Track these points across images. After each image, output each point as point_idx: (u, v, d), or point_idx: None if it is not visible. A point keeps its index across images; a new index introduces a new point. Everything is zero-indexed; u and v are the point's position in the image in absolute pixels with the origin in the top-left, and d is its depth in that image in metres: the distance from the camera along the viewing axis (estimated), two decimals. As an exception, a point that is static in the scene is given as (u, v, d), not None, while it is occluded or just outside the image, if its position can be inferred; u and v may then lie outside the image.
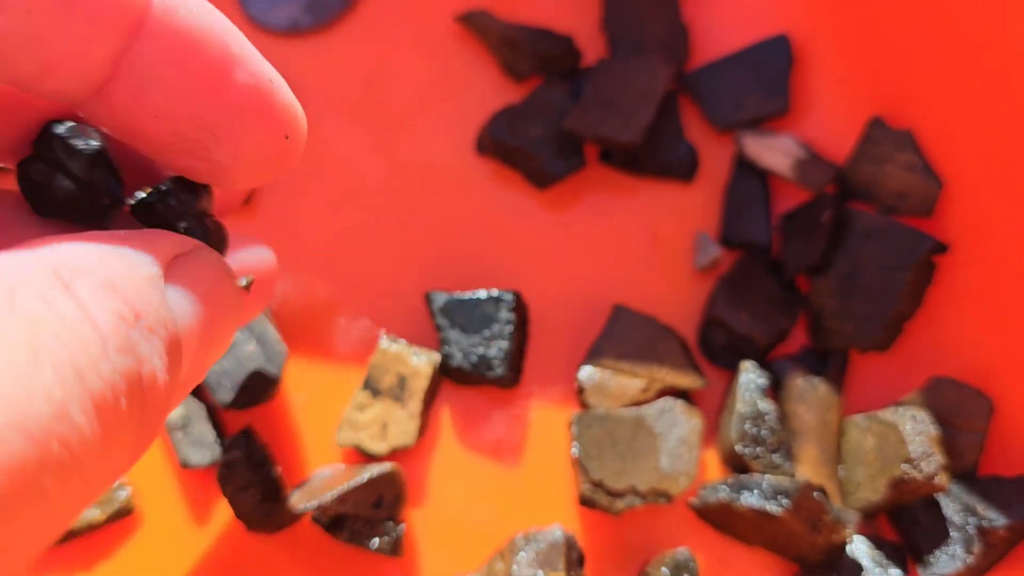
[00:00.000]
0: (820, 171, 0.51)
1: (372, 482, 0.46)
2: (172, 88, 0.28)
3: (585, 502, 0.48)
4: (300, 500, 0.46)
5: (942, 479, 0.45)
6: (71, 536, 0.49)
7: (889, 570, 0.47)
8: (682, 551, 0.47)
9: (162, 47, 0.27)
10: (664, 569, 0.47)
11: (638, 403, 0.49)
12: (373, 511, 0.46)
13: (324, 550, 0.49)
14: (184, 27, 0.27)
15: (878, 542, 0.48)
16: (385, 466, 0.47)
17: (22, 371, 0.20)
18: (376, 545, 0.47)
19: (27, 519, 0.20)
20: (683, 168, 0.54)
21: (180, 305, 0.26)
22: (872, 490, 0.47)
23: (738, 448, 0.47)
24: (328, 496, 0.45)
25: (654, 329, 0.51)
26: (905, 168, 0.49)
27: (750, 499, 0.45)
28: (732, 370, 0.50)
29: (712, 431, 0.50)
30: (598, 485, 0.48)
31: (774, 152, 0.52)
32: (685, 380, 0.50)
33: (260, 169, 0.30)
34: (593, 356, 0.50)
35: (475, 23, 0.56)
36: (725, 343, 0.51)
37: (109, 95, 0.27)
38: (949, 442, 0.47)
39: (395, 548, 0.47)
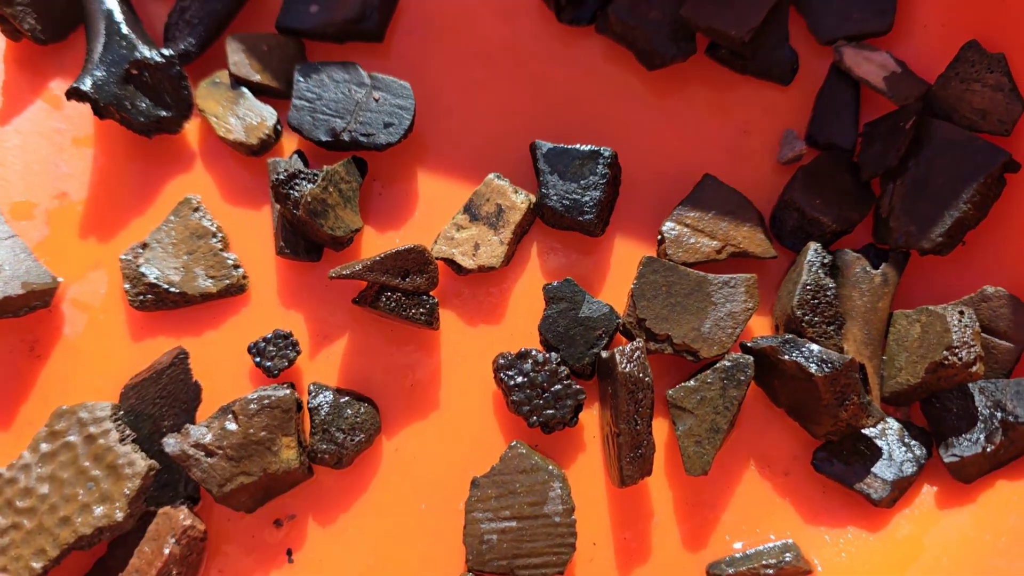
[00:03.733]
0: (910, 85, 0.53)
1: (398, 254, 0.50)
2: None
3: (623, 332, 0.51)
4: (334, 271, 0.50)
5: (979, 368, 0.47)
6: (184, 303, 0.53)
7: (914, 449, 0.49)
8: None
9: None
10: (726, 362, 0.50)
11: (712, 261, 0.52)
12: (403, 281, 0.50)
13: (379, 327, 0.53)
14: None
15: (908, 426, 0.50)
16: (410, 244, 0.50)
17: None
18: (413, 314, 0.51)
19: None
20: (783, 71, 0.56)
21: None
22: (911, 373, 0.49)
23: (798, 313, 0.49)
24: (359, 264, 0.50)
25: (737, 200, 0.53)
26: (993, 87, 0.51)
27: (797, 355, 0.48)
28: (797, 251, 0.53)
29: (769, 304, 0.53)
30: (640, 322, 0.51)
31: (870, 64, 0.54)
32: (758, 248, 0.52)
33: None
34: (678, 214, 0.53)
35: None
36: (795, 225, 0.53)
37: None
38: (989, 346, 0.49)
39: (431, 319, 0.51)
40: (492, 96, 0.56)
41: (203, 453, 0.48)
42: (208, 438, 0.49)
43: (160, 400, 0.52)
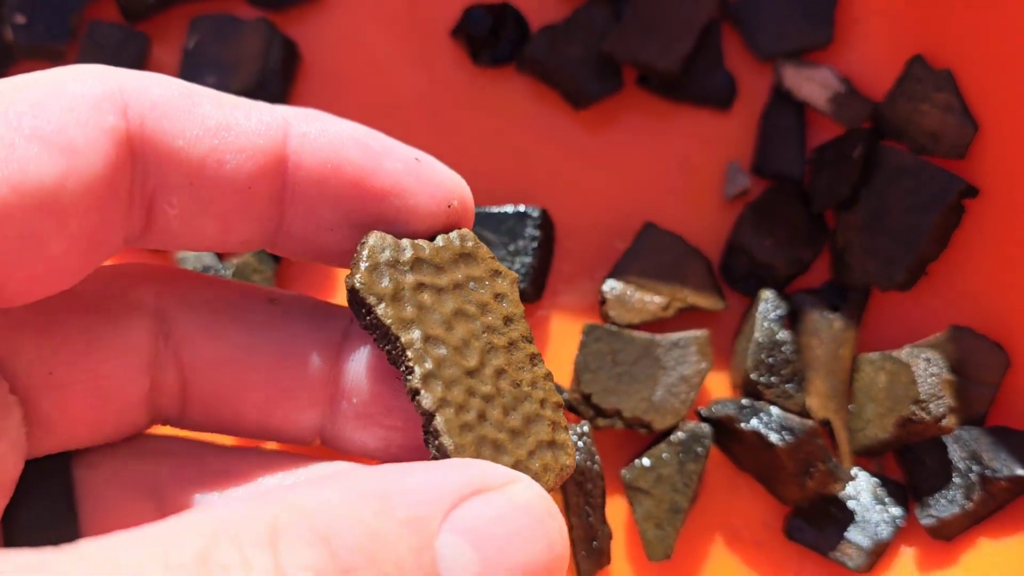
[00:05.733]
0: (856, 106, 0.50)
1: None
2: (334, 200, 0.29)
3: (569, 408, 0.48)
4: None
5: (949, 422, 0.45)
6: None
7: (890, 508, 0.46)
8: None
9: (310, 172, 0.29)
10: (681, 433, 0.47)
11: (658, 320, 0.49)
12: None
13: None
14: (322, 148, 0.29)
15: (882, 480, 0.47)
16: None
17: None
18: None
19: None
20: (720, 97, 0.52)
21: (457, 555, 0.23)
22: (880, 428, 0.46)
23: (753, 376, 0.47)
24: None
25: (681, 249, 0.50)
26: (942, 108, 0.48)
27: (756, 424, 0.45)
28: (751, 297, 0.50)
29: (726, 355, 0.50)
30: (586, 398, 0.48)
31: (812, 84, 0.51)
32: (706, 301, 0.49)
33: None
34: (619, 270, 0.49)
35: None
36: (746, 270, 0.50)
37: (286, 228, 0.29)
38: (960, 390, 0.46)
39: None
40: (411, 154, 0.53)
41: None
42: None
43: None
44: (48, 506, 0.27)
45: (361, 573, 0.21)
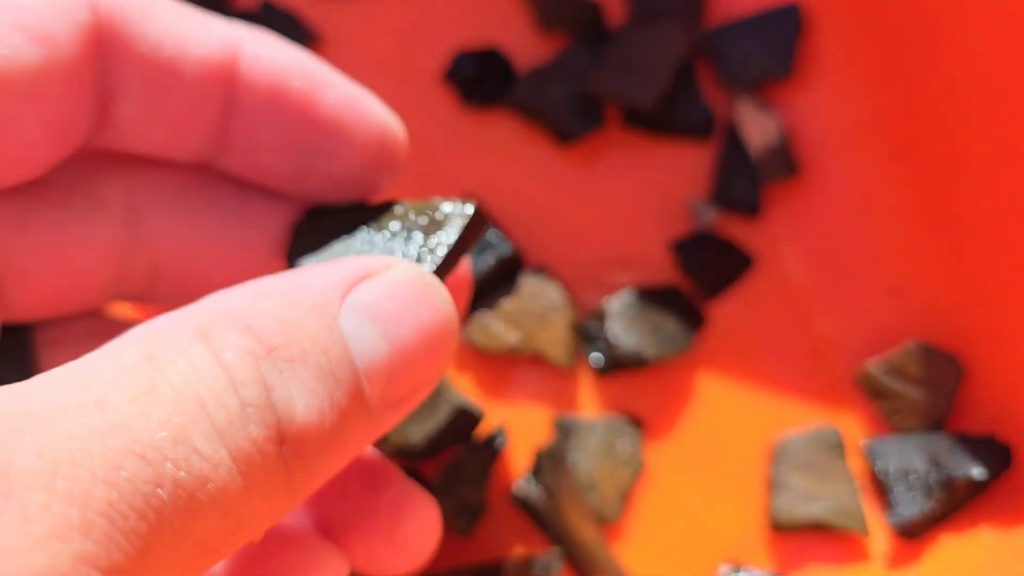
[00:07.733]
0: (779, 167, 0.55)
1: None
2: (276, 121, 0.33)
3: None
4: None
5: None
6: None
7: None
8: None
9: (257, 92, 0.32)
10: None
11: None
12: None
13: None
14: (271, 71, 0.32)
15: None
16: None
17: (140, 401, 0.22)
18: None
19: (158, 543, 0.21)
20: (699, 129, 0.56)
21: (359, 328, 0.27)
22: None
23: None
24: None
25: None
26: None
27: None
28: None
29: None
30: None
31: (754, 127, 0.55)
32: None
33: (372, 176, 0.35)
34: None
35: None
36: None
37: (230, 144, 0.32)
38: (920, 399, 0.52)
39: None
40: (396, 192, 0.57)
41: None
42: None
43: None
44: (10, 379, 0.25)
45: (283, 349, 0.25)
